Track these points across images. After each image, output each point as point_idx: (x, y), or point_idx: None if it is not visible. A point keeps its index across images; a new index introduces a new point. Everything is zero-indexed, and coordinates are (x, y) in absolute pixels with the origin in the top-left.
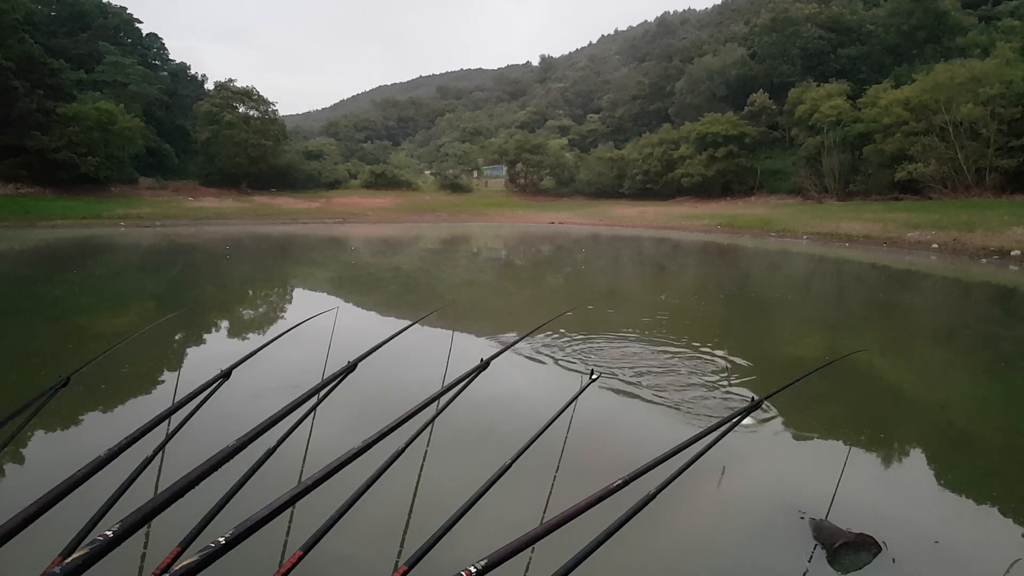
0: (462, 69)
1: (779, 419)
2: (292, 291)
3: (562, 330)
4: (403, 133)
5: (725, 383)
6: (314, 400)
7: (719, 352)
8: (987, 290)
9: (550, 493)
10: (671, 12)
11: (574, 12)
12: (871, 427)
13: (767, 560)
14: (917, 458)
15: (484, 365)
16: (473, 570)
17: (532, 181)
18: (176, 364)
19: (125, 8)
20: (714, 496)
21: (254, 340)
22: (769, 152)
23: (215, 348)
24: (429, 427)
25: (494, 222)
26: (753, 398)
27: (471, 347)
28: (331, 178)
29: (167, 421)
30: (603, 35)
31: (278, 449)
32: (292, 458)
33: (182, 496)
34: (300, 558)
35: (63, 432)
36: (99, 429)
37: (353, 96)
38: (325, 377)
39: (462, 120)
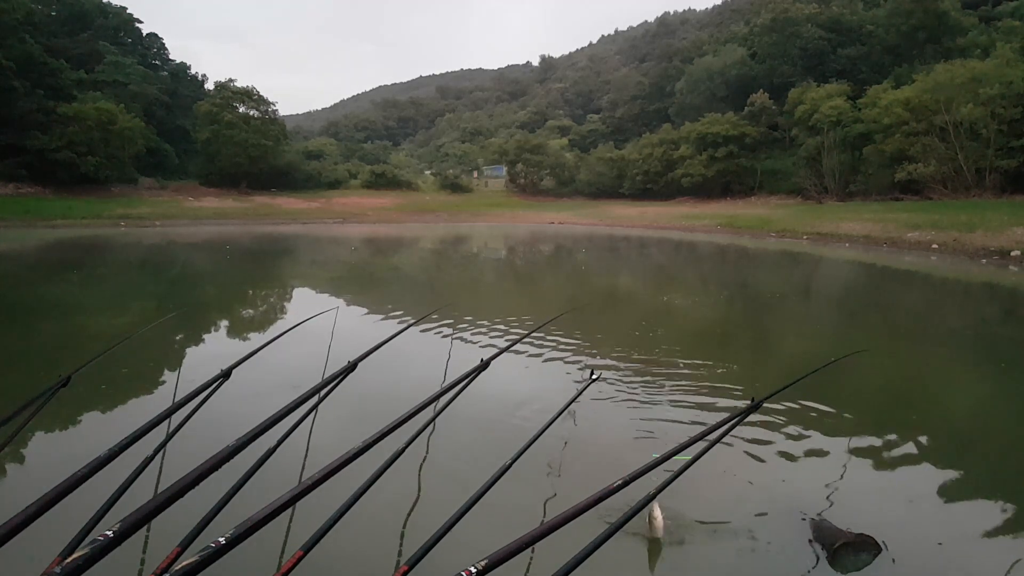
0: (462, 69)
1: (779, 419)
2: (292, 291)
3: (562, 330)
4: (403, 133)
5: (718, 383)
6: (314, 400)
7: (718, 352)
8: (987, 290)
9: (550, 493)
10: (671, 12)
11: (574, 12)
12: (871, 427)
13: (767, 561)
14: (917, 458)
15: (484, 365)
16: (473, 570)
17: (532, 181)
18: (176, 364)
19: (125, 8)
20: (714, 497)
21: (254, 340)
22: (769, 152)
23: (215, 348)
24: (429, 427)
25: (494, 222)
26: (753, 398)
27: (471, 347)
28: (331, 178)
29: (167, 421)
30: (603, 35)
31: (278, 449)
32: (292, 458)
33: (182, 496)
34: (300, 558)
35: (63, 432)
36: (99, 429)
37: (353, 96)
38: (325, 377)
39: (462, 120)
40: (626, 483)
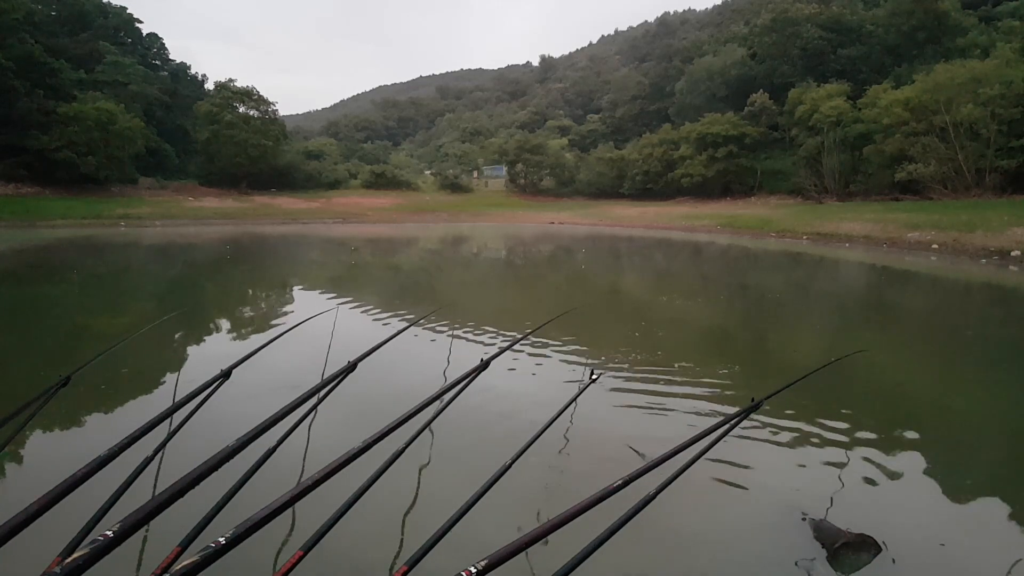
0: (462, 69)
1: (779, 419)
2: (292, 291)
3: (562, 330)
4: (403, 133)
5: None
6: (314, 400)
7: (719, 352)
8: (987, 291)
9: (550, 493)
10: (671, 12)
11: (574, 12)
12: (871, 427)
13: (767, 561)
14: (917, 458)
15: (484, 365)
16: (473, 570)
17: (532, 181)
18: (176, 364)
19: (125, 8)
20: (714, 496)
21: (254, 340)
22: (769, 152)
23: (215, 348)
24: (429, 427)
25: (494, 222)
26: (753, 398)
27: (471, 347)
28: (331, 178)
29: (167, 421)
30: (603, 35)
31: (278, 449)
32: (292, 458)
33: (182, 496)
34: (300, 558)
35: (63, 432)
36: (99, 429)
37: (353, 96)
38: (325, 377)
39: (462, 120)
40: (626, 483)
